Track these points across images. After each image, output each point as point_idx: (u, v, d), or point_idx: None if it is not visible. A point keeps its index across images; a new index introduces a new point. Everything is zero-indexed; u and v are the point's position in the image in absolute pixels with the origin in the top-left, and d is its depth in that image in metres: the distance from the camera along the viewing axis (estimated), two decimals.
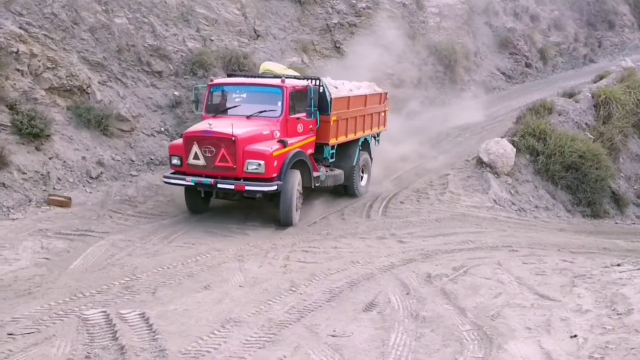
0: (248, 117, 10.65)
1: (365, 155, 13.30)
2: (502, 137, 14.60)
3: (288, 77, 11.84)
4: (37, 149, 11.44)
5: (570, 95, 17.16)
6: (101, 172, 12.22)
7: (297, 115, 11.07)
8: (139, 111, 13.85)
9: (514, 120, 16.17)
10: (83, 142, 12.38)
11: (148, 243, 9.12)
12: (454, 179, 13.68)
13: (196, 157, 10.04)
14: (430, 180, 13.96)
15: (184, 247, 8.91)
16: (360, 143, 12.97)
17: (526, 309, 6.69)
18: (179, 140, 10.59)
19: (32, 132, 11.36)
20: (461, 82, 23.25)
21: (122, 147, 13.07)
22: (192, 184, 10.12)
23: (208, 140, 9.93)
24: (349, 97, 12.31)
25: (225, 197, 10.92)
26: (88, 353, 5.34)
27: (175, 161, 10.39)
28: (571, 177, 13.92)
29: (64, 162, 11.71)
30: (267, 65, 13.25)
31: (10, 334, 5.65)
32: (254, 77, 12.18)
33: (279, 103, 10.78)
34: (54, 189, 11.12)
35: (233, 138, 9.81)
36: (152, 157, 13.38)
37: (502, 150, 13.74)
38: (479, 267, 8.31)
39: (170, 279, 7.42)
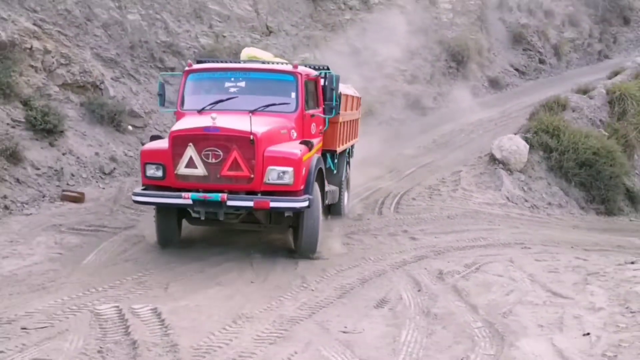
0: (252, 112, 8.13)
1: (348, 169, 11.55)
2: (515, 134, 14.56)
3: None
4: (51, 144, 11.53)
5: (584, 91, 17.07)
6: (114, 168, 12.30)
7: (311, 111, 9.02)
8: (151, 107, 13.91)
9: (527, 117, 16.11)
10: (96, 138, 12.46)
11: None
12: (466, 176, 13.64)
13: (191, 164, 7.52)
14: (442, 177, 13.91)
15: (196, 243, 8.94)
16: (347, 153, 11.28)
17: (538, 306, 6.66)
18: (157, 144, 8.19)
19: (46, 128, 11.45)
20: (474, 78, 23.14)
21: (134, 143, 13.13)
22: (190, 202, 7.54)
23: (213, 140, 7.49)
24: (347, 96, 10.49)
25: (208, 221, 8.25)
26: (100, 347, 5.37)
27: (152, 172, 7.83)
28: (585, 174, 13.81)
29: (78, 157, 11.80)
30: (251, 52, 10.52)
31: (24, 328, 5.70)
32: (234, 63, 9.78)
33: (293, 94, 8.67)
34: (67, 184, 11.21)
35: (251, 136, 7.44)
36: None
37: (515, 146, 13.68)
38: (491, 264, 8.27)
39: (182, 275, 7.45)
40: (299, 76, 8.77)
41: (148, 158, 7.93)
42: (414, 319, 6.31)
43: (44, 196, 10.61)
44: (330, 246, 8.87)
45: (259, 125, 7.71)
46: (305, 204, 7.71)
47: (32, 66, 12.18)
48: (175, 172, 7.64)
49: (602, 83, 17.72)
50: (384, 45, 18.77)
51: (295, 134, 8.55)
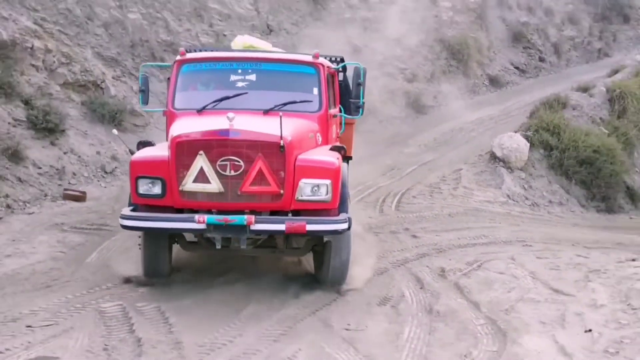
0: (266, 112, 6.97)
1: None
2: (515, 132, 14.56)
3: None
4: (52, 143, 11.56)
5: (584, 89, 17.07)
6: (115, 167, 12.32)
7: (332, 111, 7.76)
8: (152, 106, 13.93)
9: (527, 115, 16.12)
10: (97, 137, 12.48)
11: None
12: (467, 174, 13.65)
13: (202, 178, 6.10)
14: (443, 175, 13.89)
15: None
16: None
17: (540, 303, 6.72)
18: (152, 152, 6.70)
19: (47, 127, 11.48)
20: (474, 77, 23.17)
21: (136, 142, 13.12)
22: (204, 226, 6.11)
23: (232, 147, 6.09)
24: None
25: (208, 247, 6.88)
26: (106, 345, 5.42)
27: (147, 188, 6.30)
28: (585, 172, 13.84)
29: (79, 156, 11.83)
30: (247, 40, 8.98)
31: (29, 326, 5.74)
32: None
33: (315, 90, 7.37)
34: (69, 183, 11.24)
35: (281, 142, 6.10)
36: None
37: (516, 144, 13.69)
38: (492, 261, 8.30)
39: (186, 271, 7.47)
40: (321, 68, 7.46)
41: (141, 170, 6.34)
42: (417, 316, 6.37)
43: (45, 195, 10.64)
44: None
45: (287, 129, 6.27)
46: (345, 225, 6.34)
47: (33, 65, 12.22)
48: (179, 188, 6.17)
49: (602, 81, 17.74)
50: (384, 44, 18.78)
51: (320, 139, 7.23)
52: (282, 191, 6.18)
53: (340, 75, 8.61)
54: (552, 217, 12.65)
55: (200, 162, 6.09)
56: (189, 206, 6.30)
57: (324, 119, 7.33)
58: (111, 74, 13.73)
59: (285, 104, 7.06)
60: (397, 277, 7.59)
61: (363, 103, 7.62)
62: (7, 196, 10.00)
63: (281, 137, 6.09)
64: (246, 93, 7.16)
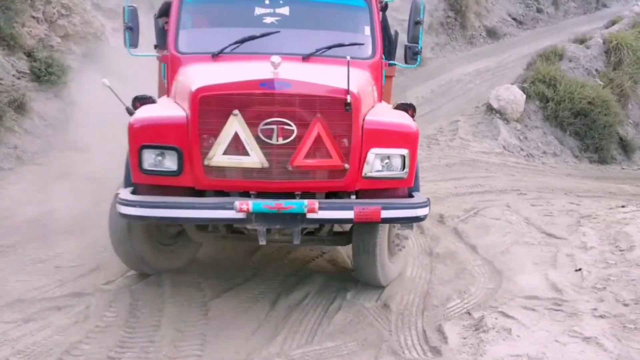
0: (306, 57, 5.44)
1: None
2: (512, 84, 14.87)
3: None
4: (56, 95, 11.82)
5: (581, 41, 17.34)
6: None
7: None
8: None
9: (524, 67, 16.40)
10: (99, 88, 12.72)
11: None
12: (464, 125, 13.99)
13: (237, 148, 4.62)
14: (440, 127, 14.24)
15: None
16: None
17: (534, 246, 7.21)
18: (159, 111, 4.98)
19: (50, 80, 11.72)
20: (472, 28, 23.28)
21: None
22: (243, 216, 4.63)
23: (280, 104, 4.60)
24: None
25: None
26: (131, 284, 5.89)
27: (156, 162, 4.75)
28: (580, 124, 14.27)
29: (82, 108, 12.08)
30: None
31: (58, 267, 6.21)
32: None
33: (367, 30, 5.88)
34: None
35: (348, 98, 4.64)
36: None
37: (512, 96, 14.04)
38: (488, 209, 8.73)
39: None
40: (373, 1, 5.99)
41: (148, 137, 4.73)
42: (418, 257, 6.84)
43: (52, 146, 10.97)
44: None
45: (351, 80, 4.70)
46: (427, 210, 5.12)
47: (33, 17, 12.37)
48: (204, 162, 4.67)
49: (599, 32, 17.98)
50: None
51: (376, 93, 5.70)
52: (346, 165, 4.77)
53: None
54: (546, 168, 13.10)
55: (235, 125, 4.58)
56: (216, 187, 4.83)
57: (377, 67, 5.84)
58: (110, 26, 13.88)
59: (329, 47, 5.48)
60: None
61: (421, 48, 5.88)
62: (15, 147, 10.35)
63: (348, 91, 4.63)
64: (278, 32, 5.51)
